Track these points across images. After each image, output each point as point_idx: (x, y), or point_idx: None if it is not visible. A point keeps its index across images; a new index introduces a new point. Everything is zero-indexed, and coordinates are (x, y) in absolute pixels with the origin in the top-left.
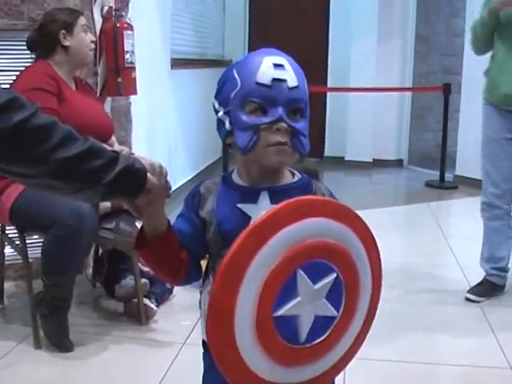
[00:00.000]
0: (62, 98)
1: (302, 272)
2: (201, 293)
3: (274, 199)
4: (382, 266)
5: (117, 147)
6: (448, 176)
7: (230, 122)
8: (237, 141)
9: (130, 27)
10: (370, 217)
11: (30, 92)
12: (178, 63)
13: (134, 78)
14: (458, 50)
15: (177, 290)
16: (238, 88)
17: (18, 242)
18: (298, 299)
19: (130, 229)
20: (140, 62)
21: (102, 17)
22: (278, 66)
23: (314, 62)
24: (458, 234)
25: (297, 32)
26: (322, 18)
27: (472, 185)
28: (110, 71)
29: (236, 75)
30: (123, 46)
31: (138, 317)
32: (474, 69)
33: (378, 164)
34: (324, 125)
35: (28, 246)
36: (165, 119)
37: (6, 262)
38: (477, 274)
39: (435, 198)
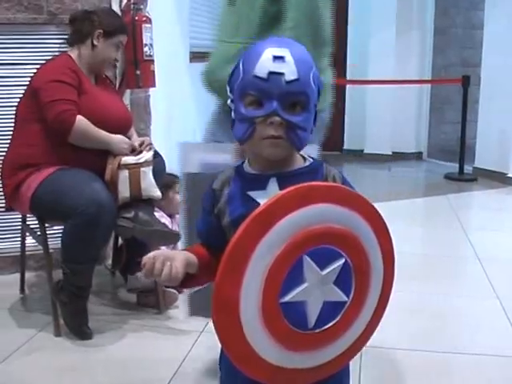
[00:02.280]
0: (82, 90)
1: (308, 258)
2: None
3: (282, 185)
4: (401, 256)
5: (135, 138)
6: (467, 168)
7: (234, 111)
8: (234, 131)
9: (149, 20)
10: (389, 209)
11: (50, 83)
12: (196, 56)
13: (153, 71)
14: (476, 42)
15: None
16: (240, 79)
17: (38, 232)
18: (305, 285)
19: (148, 218)
20: (159, 55)
21: (121, 10)
22: (277, 58)
23: (332, 54)
24: (477, 225)
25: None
26: (340, 10)
27: (491, 177)
28: (129, 64)
29: (241, 65)
30: (142, 38)
31: (154, 307)
32: (493, 61)
33: (398, 157)
34: (343, 118)
35: (48, 236)
36: (184, 112)
37: (28, 253)
38: (494, 266)
39: (454, 190)
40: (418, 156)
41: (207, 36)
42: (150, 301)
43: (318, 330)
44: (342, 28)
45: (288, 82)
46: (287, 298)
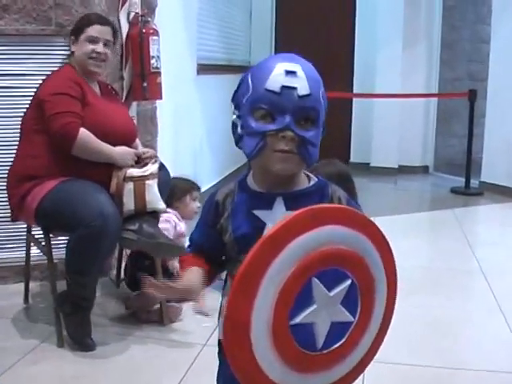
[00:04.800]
0: (86, 102)
1: (316, 280)
2: (222, 296)
3: (289, 205)
4: (406, 270)
5: (140, 149)
6: (473, 182)
7: (242, 127)
8: (244, 146)
9: (156, 32)
10: (395, 222)
11: (55, 96)
12: (203, 69)
13: (160, 83)
14: (483, 56)
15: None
16: (250, 93)
17: (43, 243)
18: (314, 307)
19: (152, 230)
20: (166, 68)
21: (129, 22)
22: (289, 72)
23: (339, 67)
24: (483, 240)
25: (323, 38)
26: (347, 24)
27: (497, 191)
28: (136, 76)
29: (249, 80)
30: (149, 51)
31: (156, 322)
32: (500, 75)
33: (404, 170)
34: (350, 131)
35: (53, 246)
36: (191, 124)
37: (32, 263)
38: (500, 280)
39: (460, 204)
40: (424, 169)
41: (215, 48)
42: (152, 316)
43: (325, 351)
44: (348, 41)
45: (300, 97)
46: (297, 320)
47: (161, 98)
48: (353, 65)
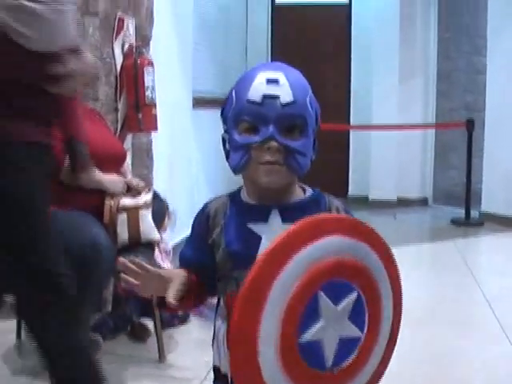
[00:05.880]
0: None
1: (322, 294)
2: (216, 318)
3: (285, 217)
4: (408, 300)
5: (129, 178)
6: (473, 213)
7: (228, 141)
8: (229, 160)
9: (151, 63)
10: (396, 254)
11: None
12: (199, 102)
13: (155, 115)
14: (480, 87)
15: (194, 324)
16: (233, 106)
17: None
18: (322, 322)
19: (147, 262)
20: (162, 100)
21: (123, 53)
22: (271, 81)
23: (336, 100)
24: (485, 269)
25: (319, 70)
26: (343, 57)
27: (498, 221)
28: (131, 107)
29: (233, 93)
30: (144, 82)
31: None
32: (498, 105)
33: (403, 203)
34: (347, 164)
35: None
36: (186, 157)
37: None
38: (505, 309)
39: (461, 235)
40: (423, 202)
41: (211, 82)
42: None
43: (335, 370)
44: (345, 73)
45: (284, 105)
46: (305, 338)
47: (156, 129)
48: (349, 97)
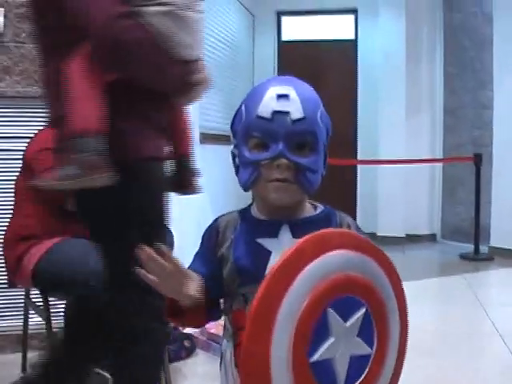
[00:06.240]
0: None
1: (332, 310)
2: (222, 339)
3: (295, 232)
4: (419, 333)
5: None
6: (482, 248)
7: (238, 156)
8: (239, 177)
9: None
10: (406, 289)
11: (40, 153)
12: (206, 138)
13: None
14: (487, 122)
15: (201, 358)
16: (243, 121)
17: (41, 306)
18: (332, 340)
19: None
20: None
21: None
22: (281, 96)
23: (343, 136)
24: (496, 302)
25: (325, 107)
26: (350, 92)
27: (508, 256)
28: None
29: (243, 107)
30: None
31: None
32: (505, 140)
33: (411, 239)
34: (355, 200)
35: (52, 314)
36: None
37: (31, 332)
38: None
39: (470, 269)
40: (431, 238)
41: (218, 119)
42: None
43: None
44: (352, 109)
45: (294, 122)
46: (316, 356)
47: None
48: (356, 133)
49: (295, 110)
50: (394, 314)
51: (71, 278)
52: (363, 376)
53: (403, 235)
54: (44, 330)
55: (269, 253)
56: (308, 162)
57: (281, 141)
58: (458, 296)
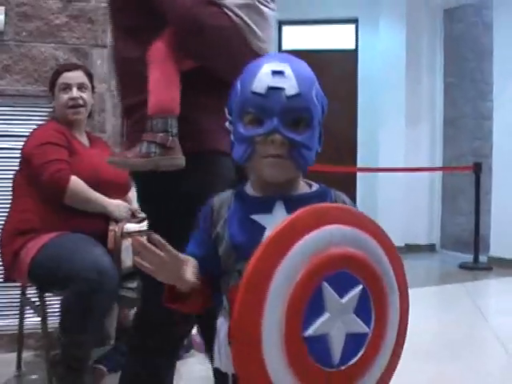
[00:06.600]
0: (73, 151)
1: (327, 285)
2: (218, 315)
3: (290, 209)
4: (419, 337)
5: (134, 205)
6: (482, 258)
7: (233, 133)
8: (233, 152)
9: None
10: None
11: (40, 147)
12: None
13: None
14: (487, 132)
15: (198, 360)
16: (238, 97)
17: (37, 303)
18: (327, 315)
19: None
20: None
21: None
22: (276, 72)
23: (343, 146)
24: (496, 309)
25: (325, 116)
26: (350, 102)
27: (507, 265)
28: None
29: (238, 84)
30: None
31: None
32: (505, 150)
33: (411, 249)
34: None
35: (49, 314)
36: None
37: (27, 331)
38: None
39: (470, 278)
40: (431, 248)
41: None
42: None
43: (343, 368)
44: (352, 119)
45: (289, 98)
46: (310, 331)
47: None
48: (356, 143)
49: (290, 86)
50: (394, 294)
51: (67, 272)
52: (359, 355)
53: (402, 245)
54: (40, 330)
55: (263, 228)
56: (302, 138)
57: (275, 116)
58: (457, 303)
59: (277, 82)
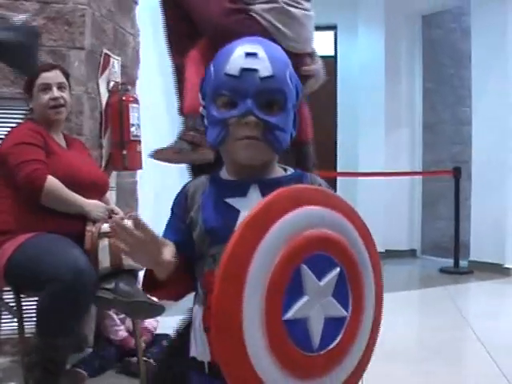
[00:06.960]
0: (50, 151)
1: (306, 267)
2: (194, 303)
3: (265, 192)
4: (400, 340)
5: (111, 206)
6: (462, 262)
7: (207, 117)
8: (207, 136)
9: (136, 100)
10: (386, 300)
11: (16, 147)
12: None
13: (140, 152)
14: (465, 138)
15: None
16: (211, 80)
17: (14, 307)
18: (306, 298)
19: (129, 289)
20: (147, 142)
21: (108, 91)
22: (249, 54)
23: (322, 152)
24: (478, 312)
25: None
26: (329, 108)
27: (487, 269)
28: (115, 144)
29: (212, 66)
30: (128, 118)
31: None
32: (484, 155)
33: (391, 255)
34: None
35: (26, 319)
36: (173, 197)
37: (3, 337)
38: (498, 349)
39: (451, 282)
40: (411, 253)
41: None
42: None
43: (322, 352)
44: (331, 125)
45: (262, 79)
46: (290, 314)
47: (141, 167)
48: (336, 149)
49: (263, 67)
50: (369, 276)
51: (43, 273)
52: (338, 339)
53: (383, 251)
54: (16, 336)
55: (237, 212)
56: (277, 120)
57: (249, 98)
58: (438, 306)
59: (250, 63)
